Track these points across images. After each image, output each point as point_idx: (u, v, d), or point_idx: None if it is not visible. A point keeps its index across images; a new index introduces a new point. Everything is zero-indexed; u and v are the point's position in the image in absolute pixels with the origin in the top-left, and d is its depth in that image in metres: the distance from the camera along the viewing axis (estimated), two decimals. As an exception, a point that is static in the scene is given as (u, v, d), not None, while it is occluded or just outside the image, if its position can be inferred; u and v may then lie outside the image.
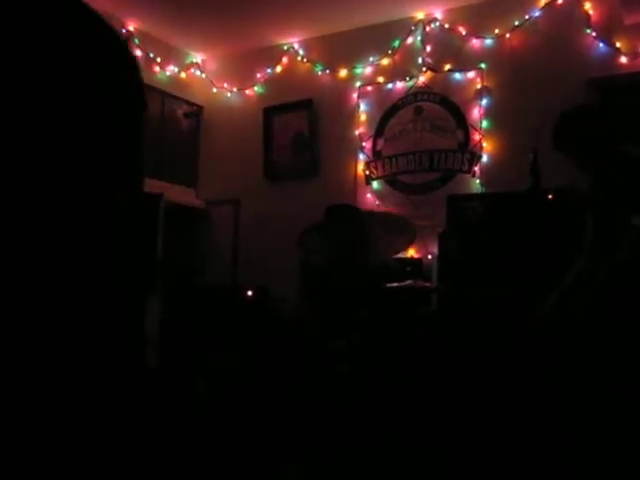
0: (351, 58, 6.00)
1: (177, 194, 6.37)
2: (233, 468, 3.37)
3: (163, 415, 3.87)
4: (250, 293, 5.48)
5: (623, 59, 4.77)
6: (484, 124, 5.35)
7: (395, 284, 4.11)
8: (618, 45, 4.79)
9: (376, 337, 4.04)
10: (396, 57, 5.80)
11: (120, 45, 1.11)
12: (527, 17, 5.18)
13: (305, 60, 6.25)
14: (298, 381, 4.03)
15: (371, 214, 5.18)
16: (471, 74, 5.43)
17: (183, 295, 5.61)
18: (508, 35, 5.25)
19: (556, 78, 4.95)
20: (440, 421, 3.80)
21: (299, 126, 6.25)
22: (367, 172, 5.85)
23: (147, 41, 6.21)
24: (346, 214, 4.66)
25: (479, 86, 5.38)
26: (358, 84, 5.96)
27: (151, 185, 6.01)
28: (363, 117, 5.92)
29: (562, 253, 3.89)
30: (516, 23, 5.21)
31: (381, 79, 5.85)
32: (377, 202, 5.76)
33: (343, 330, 4.07)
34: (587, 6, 4.92)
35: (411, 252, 5.33)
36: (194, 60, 6.77)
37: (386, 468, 3.40)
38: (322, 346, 4.02)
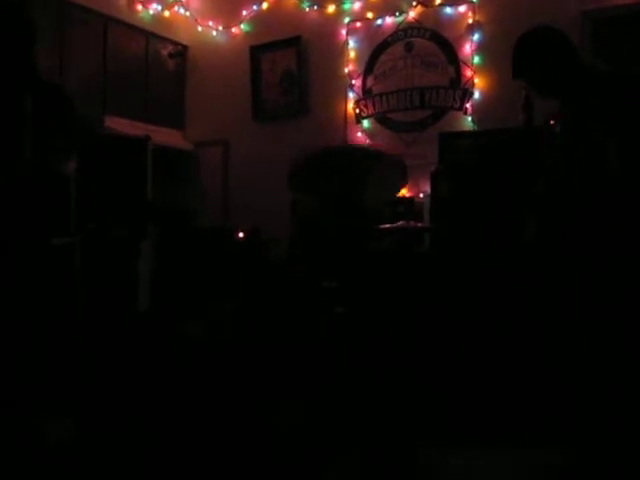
0: (339, -7, 5.84)
1: (164, 137, 6.27)
2: (227, 406, 3.41)
3: (154, 357, 3.90)
4: (241, 235, 5.44)
5: (618, -10, 4.66)
6: (476, 60, 5.25)
7: (387, 225, 4.08)
8: (613, -25, 4.67)
9: (369, 277, 4.04)
10: (385, -9, 5.65)
11: None
12: (520, -53, 5.03)
13: (292, -5, 6.08)
14: (293, 322, 4.04)
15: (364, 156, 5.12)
16: (462, 8, 5.30)
17: (174, 238, 5.58)
18: (500, -34, 5.11)
19: (549, 11, 4.83)
20: (436, 357, 3.83)
21: (287, 64, 6.13)
22: (357, 110, 5.76)
23: (128, -22, 6.03)
24: (340, 155, 4.62)
25: (470, 21, 5.26)
26: (347, 20, 5.82)
27: (137, 128, 5.91)
28: (352, 54, 5.80)
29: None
30: (509, -47, 5.07)
31: (370, 15, 5.70)
32: (368, 141, 5.69)
33: (336, 271, 4.06)
34: None
35: (403, 191, 5.29)
36: (177, -3, 6.58)
37: (381, 403, 3.44)
38: (315, 287, 4.02)
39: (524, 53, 3.05)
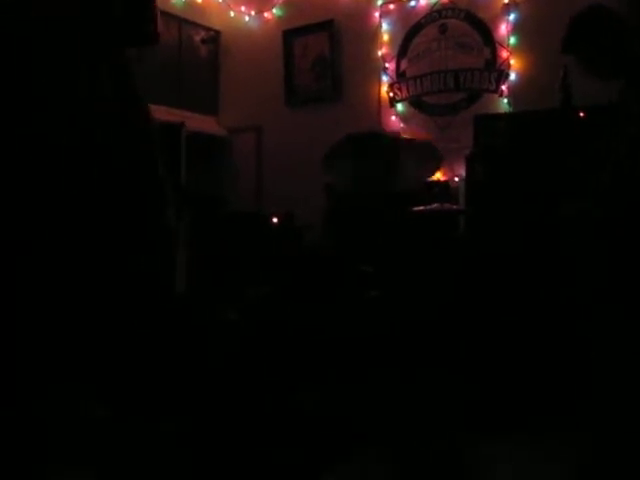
0: (372, -25, 5.77)
1: (198, 123, 6.29)
2: (262, 392, 3.41)
3: (193, 342, 3.92)
4: (275, 220, 5.45)
5: (659, -35, 4.53)
6: (512, 40, 5.15)
7: (422, 207, 4.04)
8: (654, -50, 4.54)
9: (404, 261, 4.01)
10: (419, -28, 5.57)
11: None
12: None
13: (324, -21, 6.03)
14: (327, 307, 4.03)
15: (396, 141, 5.06)
16: (498, -13, 5.21)
17: (208, 224, 5.60)
18: (537, -57, 5.00)
19: (588, -11, 4.73)
20: (467, 342, 3.80)
21: (320, 48, 6.09)
22: (391, 94, 5.71)
23: (161, -36, 6.03)
24: (370, 142, 4.58)
25: (506, 0, 5.17)
26: (380, 2, 5.75)
27: (172, 114, 5.94)
28: (386, 37, 5.74)
29: (593, 172, 3.80)
30: None
31: (404, -4, 5.64)
32: (402, 125, 5.63)
33: (370, 255, 4.04)
34: None
35: (437, 175, 5.24)
36: (210, -17, 6.57)
37: (413, 390, 3.42)
38: (350, 271, 4.00)
39: (579, 30, 3.06)
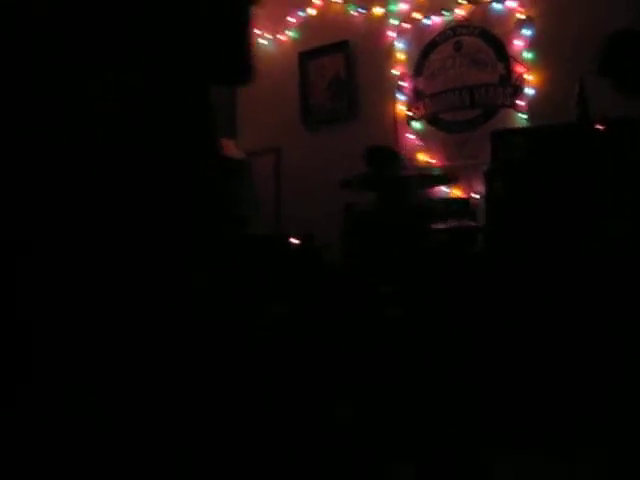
0: (385, -5, 5.81)
1: (217, 146, 6.33)
2: (284, 407, 3.39)
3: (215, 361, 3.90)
4: (295, 241, 5.45)
5: (675, -24, 4.51)
6: (527, 55, 5.14)
7: (440, 225, 4.03)
8: (669, -39, 4.52)
9: (424, 279, 3.99)
10: (432, -10, 5.60)
11: None
12: (569, -63, 4.91)
13: (338, 0, 6.07)
14: (347, 325, 4.01)
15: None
16: (511, 3, 5.20)
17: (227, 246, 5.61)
18: (549, -41, 5.01)
19: (603, 2, 4.72)
20: (490, 360, 3.76)
21: (336, 69, 6.13)
22: (408, 112, 5.71)
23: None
24: (388, 157, 4.59)
25: (521, 16, 5.17)
26: (394, 22, 5.79)
27: (190, 138, 5.99)
28: (401, 56, 5.76)
29: (612, 184, 3.76)
30: (558, -55, 4.96)
31: (418, 15, 5.66)
32: (419, 143, 5.64)
33: (390, 274, 4.03)
34: None
35: (456, 192, 5.22)
36: (226, 8, 6.64)
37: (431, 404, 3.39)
38: (369, 290, 3.99)
39: (614, 53, 3.14)
